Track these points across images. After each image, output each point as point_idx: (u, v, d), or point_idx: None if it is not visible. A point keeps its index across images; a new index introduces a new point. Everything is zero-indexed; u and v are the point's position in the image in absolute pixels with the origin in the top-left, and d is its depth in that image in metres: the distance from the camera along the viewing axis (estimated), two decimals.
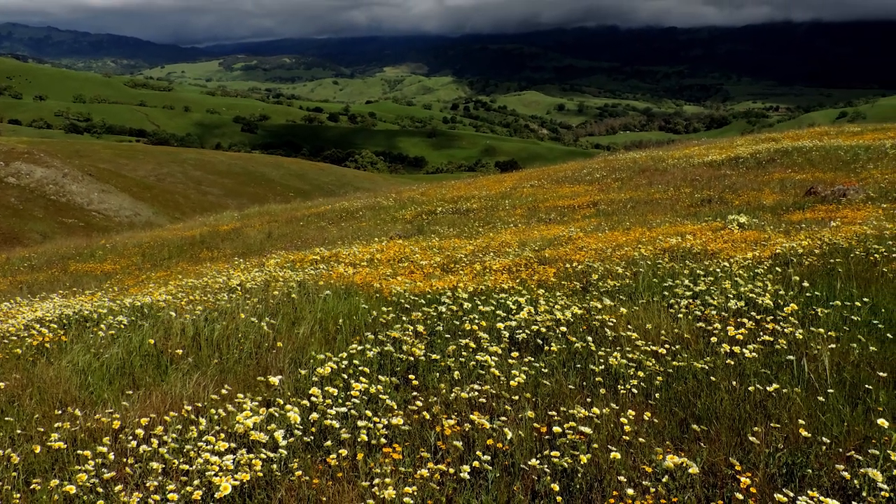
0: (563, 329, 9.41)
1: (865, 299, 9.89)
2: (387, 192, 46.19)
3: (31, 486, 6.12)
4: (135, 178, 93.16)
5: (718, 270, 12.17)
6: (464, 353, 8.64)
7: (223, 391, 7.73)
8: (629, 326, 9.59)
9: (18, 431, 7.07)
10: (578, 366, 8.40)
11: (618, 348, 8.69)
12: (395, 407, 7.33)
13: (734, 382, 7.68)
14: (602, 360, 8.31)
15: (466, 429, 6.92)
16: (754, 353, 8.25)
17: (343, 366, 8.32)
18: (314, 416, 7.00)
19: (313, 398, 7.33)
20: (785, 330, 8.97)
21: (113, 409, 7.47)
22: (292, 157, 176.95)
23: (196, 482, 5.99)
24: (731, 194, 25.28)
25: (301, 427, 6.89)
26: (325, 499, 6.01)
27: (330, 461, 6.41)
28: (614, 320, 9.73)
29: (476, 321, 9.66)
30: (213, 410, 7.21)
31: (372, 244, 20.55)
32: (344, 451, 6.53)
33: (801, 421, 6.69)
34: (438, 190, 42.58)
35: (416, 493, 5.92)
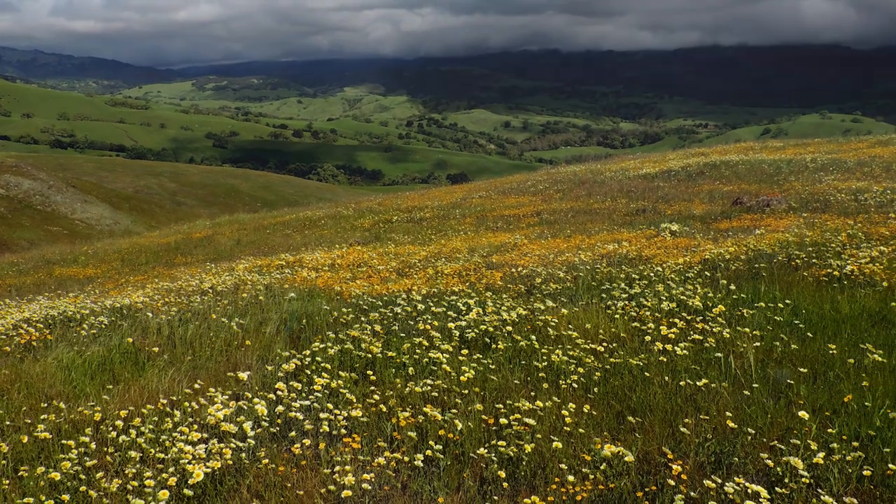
0: (509, 328, 9.44)
1: (787, 301, 9.99)
2: (347, 203, 46.14)
3: (19, 473, 6.11)
4: (115, 190, 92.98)
5: (652, 275, 12.25)
6: (418, 350, 8.65)
7: (196, 386, 7.73)
8: (570, 326, 9.62)
9: (7, 423, 7.05)
10: (523, 362, 8.43)
11: (559, 346, 8.72)
12: (355, 400, 7.33)
13: (667, 378, 7.74)
14: (545, 357, 8.34)
15: (420, 420, 6.93)
16: (685, 351, 8.32)
17: (306, 362, 8.33)
18: (280, 408, 7.01)
19: (279, 392, 7.34)
20: (713, 329, 9.04)
21: (94, 402, 7.46)
22: (260, 170, 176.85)
23: (171, 469, 6.01)
24: (664, 204, 25.43)
25: (268, 419, 6.90)
26: (289, 485, 6.01)
27: (294, 450, 6.42)
28: (556, 320, 9.76)
29: (429, 321, 9.67)
30: (186, 403, 7.21)
31: (333, 250, 20.51)
32: (307, 441, 6.54)
33: (728, 413, 6.75)
34: (394, 200, 42.55)
35: (373, 480, 5.94)
